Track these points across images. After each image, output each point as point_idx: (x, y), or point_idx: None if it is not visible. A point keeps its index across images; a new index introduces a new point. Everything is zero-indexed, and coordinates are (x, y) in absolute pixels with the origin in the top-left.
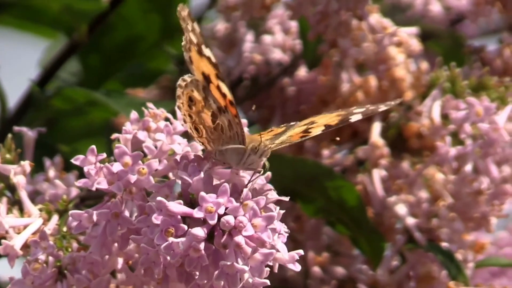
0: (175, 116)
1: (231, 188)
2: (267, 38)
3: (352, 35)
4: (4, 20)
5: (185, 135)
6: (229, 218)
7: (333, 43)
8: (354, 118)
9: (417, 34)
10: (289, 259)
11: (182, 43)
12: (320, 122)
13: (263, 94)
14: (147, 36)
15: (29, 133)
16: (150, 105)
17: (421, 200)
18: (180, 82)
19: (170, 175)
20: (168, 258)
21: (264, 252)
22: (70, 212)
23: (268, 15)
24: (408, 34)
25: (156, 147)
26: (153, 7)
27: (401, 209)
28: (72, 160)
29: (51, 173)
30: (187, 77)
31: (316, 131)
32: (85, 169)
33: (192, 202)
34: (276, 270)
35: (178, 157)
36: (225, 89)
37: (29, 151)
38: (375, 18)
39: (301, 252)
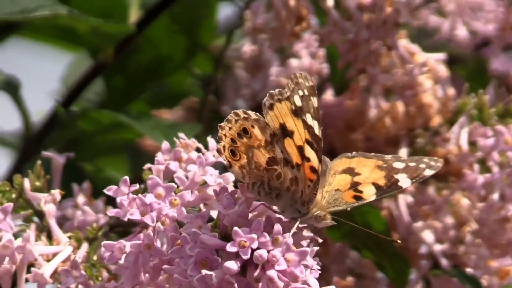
0: (205, 145)
1: (264, 222)
2: (293, 62)
3: (381, 62)
4: (27, 34)
5: (216, 166)
6: (262, 252)
7: (362, 69)
8: (404, 184)
9: (444, 60)
10: None
11: (273, 91)
12: (364, 176)
13: None
14: (172, 57)
15: (58, 159)
16: (181, 135)
17: (447, 226)
18: (240, 111)
19: (201, 206)
20: None
21: (296, 286)
22: (103, 243)
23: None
24: (436, 60)
25: (187, 177)
26: (178, 29)
27: (427, 235)
28: (105, 191)
29: (80, 199)
30: (252, 113)
31: (369, 194)
32: (118, 199)
33: (227, 234)
34: None
35: (217, 188)
36: (312, 155)
37: (57, 177)
38: (403, 43)
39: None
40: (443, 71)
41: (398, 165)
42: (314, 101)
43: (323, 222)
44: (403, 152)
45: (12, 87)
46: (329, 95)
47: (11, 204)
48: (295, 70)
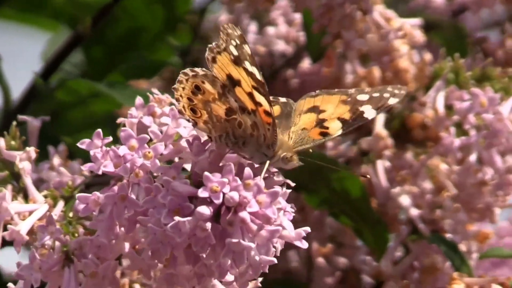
0: None
1: (236, 169)
2: (270, 30)
3: (356, 27)
4: (5, 13)
5: None
6: (234, 195)
7: (337, 35)
8: (369, 115)
9: (420, 25)
10: (296, 236)
11: (211, 45)
12: (330, 112)
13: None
14: (150, 28)
15: (34, 122)
16: (155, 90)
17: (425, 191)
18: (187, 70)
19: (176, 159)
20: (176, 238)
21: (270, 229)
22: (77, 195)
23: (272, 7)
24: (412, 25)
25: (161, 132)
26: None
27: (405, 200)
28: (78, 144)
29: (56, 161)
30: (199, 69)
31: (335, 129)
32: (91, 152)
33: (200, 183)
34: (282, 247)
35: (190, 138)
36: (262, 100)
37: (34, 140)
38: (379, 9)
39: (308, 229)
40: (419, 36)
41: (362, 97)
42: (247, 48)
43: (290, 163)
44: (380, 117)
45: None
46: (306, 63)
47: None
48: (271, 38)
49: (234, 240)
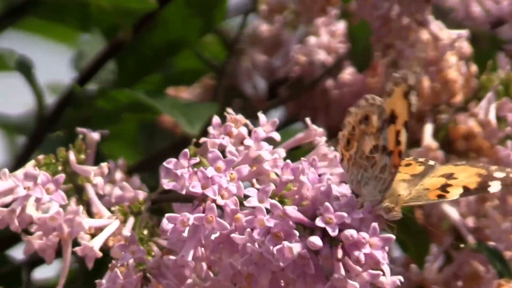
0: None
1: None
2: (312, 40)
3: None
4: (23, 24)
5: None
6: (353, 232)
7: (388, 45)
8: (493, 189)
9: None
10: (391, 283)
11: (398, 74)
12: (459, 180)
13: (306, 95)
14: (185, 40)
15: (93, 135)
16: (230, 110)
17: (469, 200)
18: (368, 97)
19: (254, 181)
20: (279, 262)
21: (372, 272)
22: (166, 215)
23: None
24: (459, 36)
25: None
26: (194, 12)
27: (450, 209)
28: (165, 163)
29: (118, 175)
30: (378, 100)
31: (454, 194)
32: (178, 172)
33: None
34: None
35: (272, 163)
36: (403, 138)
37: (92, 153)
38: (434, 20)
39: (401, 278)
40: (467, 47)
41: (499, 175)
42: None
43: (391, 214)
44: (428, 128)
45: (25, 67)
46: (346, 73)
47: (63, 176)
48: (313, 48)
49: (341, 277)
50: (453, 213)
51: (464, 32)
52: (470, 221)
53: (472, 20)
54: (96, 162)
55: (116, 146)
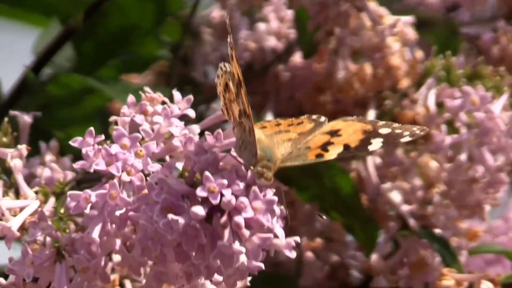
0: (172, 101)
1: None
2: (261, 26)
3: (349, 24)
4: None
5: (182, 118)
6: (231, 198)
7: (330, 31)
8: (372, 147)
9: (413, 23)
10: (286, 245)
11: (230, 41)
12: (342, 137)
13: (257, 81)
14: (141, 24)
15: (25, 117)
16: (147, 89)
17: (415, 187)
18: (221, 65)
19: (167, 158)
20: (167, 235)
21: (262, 236)
22: (69, 193)
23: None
24: (404, 23)
25: (153, 130)
26: None
27: (395, 196)
28: (70, 142)
29: (47, 157)
30: (227, 66)
31: (333, 153)
32: (83, 150)
33: (194, 183)
34: (272, 254)
35: (183, 139)
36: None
37: (25, 135)
38: (372, 6)
39: (297, 239)
40: (412, 34)
41: (384, 130)
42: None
43: (261, 179)
44: (371, 114)
45: None
46: (297, 58)
47: None
48: (263, 34)
49: (225, 243)
50: (397, 199)
51: (409, 18)
52: (416, 208)
53: (426, 6)
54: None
55: (77, 131)
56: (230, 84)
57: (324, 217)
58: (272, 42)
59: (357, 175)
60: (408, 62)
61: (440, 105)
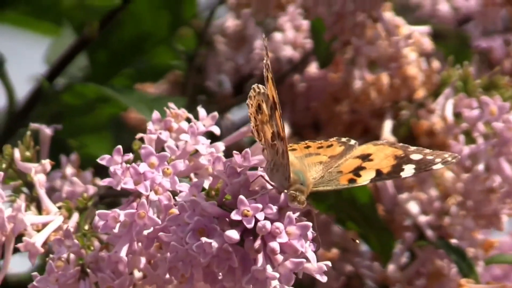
0: (189, 111)
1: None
2: (277, 36)
3: (366, 34)
4: (5, 17)
5: (207, 135)
6: (266, 223)
7: (347, 41)
8: (405, 173)
9: (429, 33)
10: (318, 269)
11: (265, 62)
12: (374, 162)
13: None
14: (156, 33)
15: (46, 130)
16: (171, 105)
17: (431, 197)
18: (254, 86)
19: (192, 176)
20: (200, 258)
21: (294, 260)
22: (97, 212)
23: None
24: (420, 33)
25: (177, 147)
26: (162, 4)
27: (412, 206)
28: (98, 160)
29: (68, 170)
30: (260, 87)
31: (365, 178)
32: (111, 169)
33: (224, 204)
34: (300, 277)
35: (209, 158)
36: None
37: (45, 148)
38: (388, 16)
39: (329, 263)
40: (428, 43)
41: (416, 157)
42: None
43: (294, 202)
44: (388, 124)
45: None
46: (313, 68)
47: (1, 174)
48: (278, 44)
49: (259, 268)
50: (414, 209)
51: (425, 28)
52: (433, 219)
53: (438, 18)
54: (54, 156)
55: (90, 139)
56: (264, 105)
57: (341, 227)
58: (288, 52)
59: (373, 186)
60: (425, 72)
61: (457, 115)
